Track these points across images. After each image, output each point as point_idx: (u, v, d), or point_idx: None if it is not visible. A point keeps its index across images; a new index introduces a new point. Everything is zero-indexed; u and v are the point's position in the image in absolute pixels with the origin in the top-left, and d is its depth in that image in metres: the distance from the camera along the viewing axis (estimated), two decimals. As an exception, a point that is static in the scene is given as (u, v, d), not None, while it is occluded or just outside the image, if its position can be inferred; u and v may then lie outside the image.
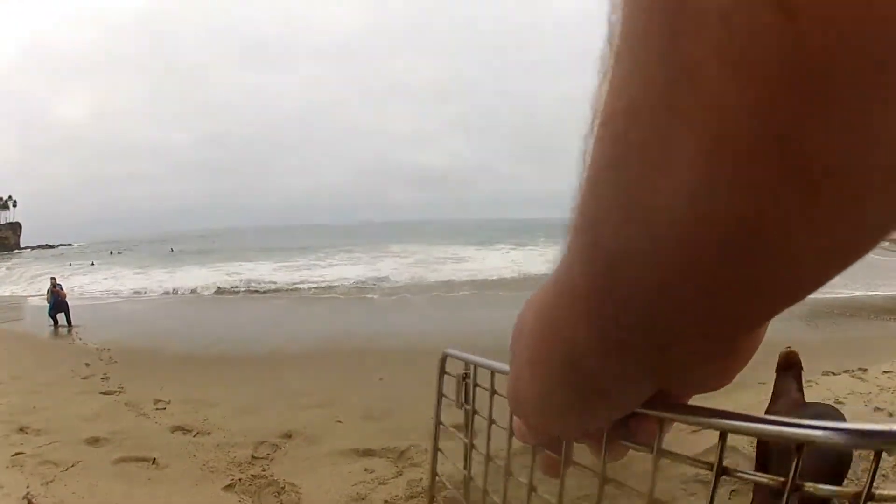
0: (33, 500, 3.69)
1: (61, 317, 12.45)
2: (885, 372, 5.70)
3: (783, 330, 9.86)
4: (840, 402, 4.85)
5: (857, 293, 13.85)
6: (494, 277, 19.75)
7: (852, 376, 5.65)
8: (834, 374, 5.78)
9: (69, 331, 11.70)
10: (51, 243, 79.75)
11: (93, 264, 35.36)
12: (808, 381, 5.53)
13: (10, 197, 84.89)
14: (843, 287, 14.80)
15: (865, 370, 5.79)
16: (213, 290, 18.52)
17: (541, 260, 25.19)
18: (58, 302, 12.55)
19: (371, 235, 60.02)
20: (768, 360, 7.15)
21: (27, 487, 3.83)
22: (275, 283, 19.84)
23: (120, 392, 6.45)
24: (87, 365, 7.96)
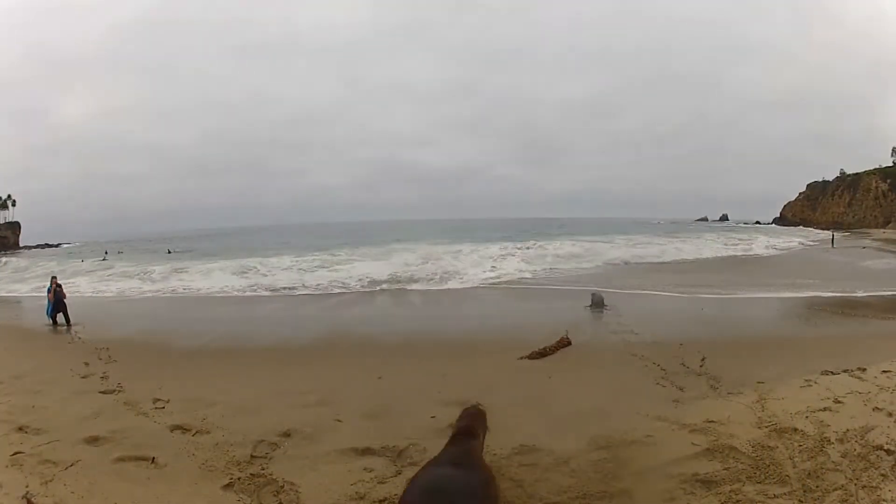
0: (32, 500, 3.68)
1: (60, 316, 12.48)
2: (884, 371, 5.68)
3: (783, 330, 9.86)
4: (839, 402, 4.85)
5: (857, 293, 13.85)
6: (488, 276, 19.78)
7: (851, 376, 5.64)
8: (833, 373, 5.77)
9: (68, 330, 11.70)
10: (49, 243, 79.61)
11: (104, 259, 36.06)
12: (808, 381, 5.53)
13: (9, 196, 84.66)
14: (842, 287, 14.81)
15: (864, 370, 5.78)
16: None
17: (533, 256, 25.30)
18: (58, 301, 12.56)
19: (371, 235, 59.98)
20: (767, 362, 7.11)
21: (26, 487, 3.82)
22: (275, 283, 19.81)
23: (119, 391, 6.44)
24: (87, 364, 7.95)
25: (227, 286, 19.18)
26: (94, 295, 18.94)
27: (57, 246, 75.14)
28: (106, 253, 42.55)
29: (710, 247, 32.56)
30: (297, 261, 27.02)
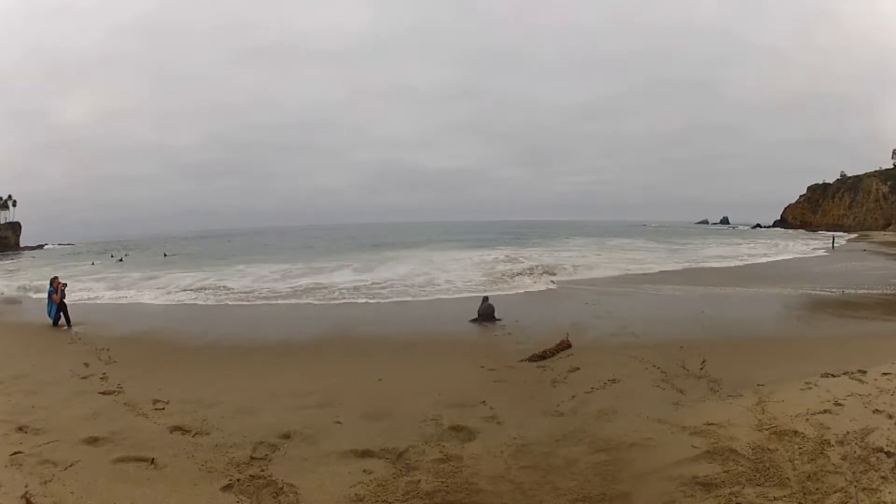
0: (32, 500, 3.68)
1: (61, 317, 12.47)
2: (884, 374, 5.68)
3: (783, 332, 9.83)
4: (839, 404, 4.85)
5: (856, 292, 13.84)
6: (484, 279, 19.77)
7: (851, 378, 5.63)
8: (833, 375, 5.76)
9: (69, 330, 11.70)
10: (50, 244, 79.68)
11: (121, 260, 36.06)
12: (808, 383, 5.53)
13: (9, 196, 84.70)
14: (841, 287, 14.80)
15: (864, 372, 5.77)
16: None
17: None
18: (59, 302, 12.55)
19: (372, 238, 60.00)
20: (767, 365, 7.10)
21: (25, 486, 3.82)
22: (275, 286, 19.79)
23: (119, 392, 6.44)
24: (87, 365, 7.95)
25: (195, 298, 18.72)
26: (86, 301, 18.90)
27: (41, 248, 75.18)
28: (112, 255, 42.60)
29: (709, 251, 32.56)
30: (297, 264, 27.00)
